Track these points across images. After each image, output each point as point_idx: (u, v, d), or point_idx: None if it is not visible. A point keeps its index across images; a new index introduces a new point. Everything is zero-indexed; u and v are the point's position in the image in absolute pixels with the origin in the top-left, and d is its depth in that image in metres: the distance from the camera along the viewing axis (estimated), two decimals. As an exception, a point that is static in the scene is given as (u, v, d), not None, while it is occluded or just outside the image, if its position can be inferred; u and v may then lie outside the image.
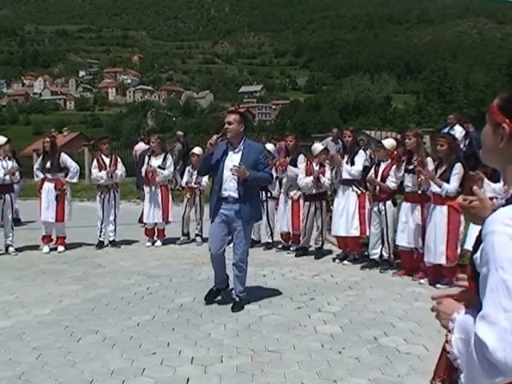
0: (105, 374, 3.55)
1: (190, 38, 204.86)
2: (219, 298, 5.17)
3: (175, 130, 26.42)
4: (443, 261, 5.45)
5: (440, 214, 5.46)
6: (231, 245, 5.19)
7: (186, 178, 8.39)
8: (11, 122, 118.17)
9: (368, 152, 9.51)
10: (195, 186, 8.22)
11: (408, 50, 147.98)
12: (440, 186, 5.38)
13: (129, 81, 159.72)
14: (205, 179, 8.05)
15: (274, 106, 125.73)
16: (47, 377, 3.52)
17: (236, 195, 4.78)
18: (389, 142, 6.52)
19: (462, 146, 11.54)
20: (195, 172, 7.96)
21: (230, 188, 4.80)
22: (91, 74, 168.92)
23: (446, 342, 1.41)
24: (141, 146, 11.68)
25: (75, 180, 8.02)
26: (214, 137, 4.79)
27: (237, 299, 4.99)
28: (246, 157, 4.83)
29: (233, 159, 4.82)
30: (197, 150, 8.39)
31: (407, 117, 63.46)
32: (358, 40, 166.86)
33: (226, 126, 4.81)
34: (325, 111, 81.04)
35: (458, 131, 11.09)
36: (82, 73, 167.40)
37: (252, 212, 4.89)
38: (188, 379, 3.45)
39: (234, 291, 5.06)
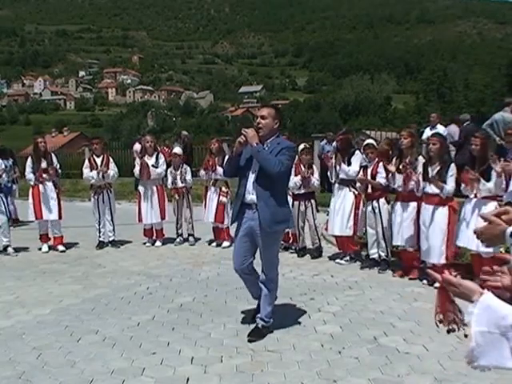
0: (105, 373, 3.55)
1: (190, 38, 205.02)
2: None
3: (176, 130, 26.40)
4: (443, 260, 5.44)
5: (440, 214, 5.44)
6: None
7: (169, 179, 8.33)
8: (11, 122, 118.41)
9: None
10: (181, 185, 8.23)
11: (408, 50, 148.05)
12: (441, 189, 5.35)
13: (129, 81, 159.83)
14: (188, 177, 8.17)
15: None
16: (47, 377, 3.52)
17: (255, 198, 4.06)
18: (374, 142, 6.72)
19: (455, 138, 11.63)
20: (178, 173, 8.19)
21: (252, 191, 4.09)
22: (91, 74, 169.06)
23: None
24: (138, 146, 11.72)
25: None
26: (249, 130, 3.96)
27: (258, 325, 4.21)
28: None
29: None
30: (177, 150, 8.57)
31: (407, 117, 63.44)
32: (358, 40, 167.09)
33: (259, 120, 4.04)
34: (325, 111, 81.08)
35: (441, 130, 11.09)
36: (82, 73, 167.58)
37: (274, 216, 4.03)
38: (188, 379, 3.44)
39: (258, 314, 4.28)
